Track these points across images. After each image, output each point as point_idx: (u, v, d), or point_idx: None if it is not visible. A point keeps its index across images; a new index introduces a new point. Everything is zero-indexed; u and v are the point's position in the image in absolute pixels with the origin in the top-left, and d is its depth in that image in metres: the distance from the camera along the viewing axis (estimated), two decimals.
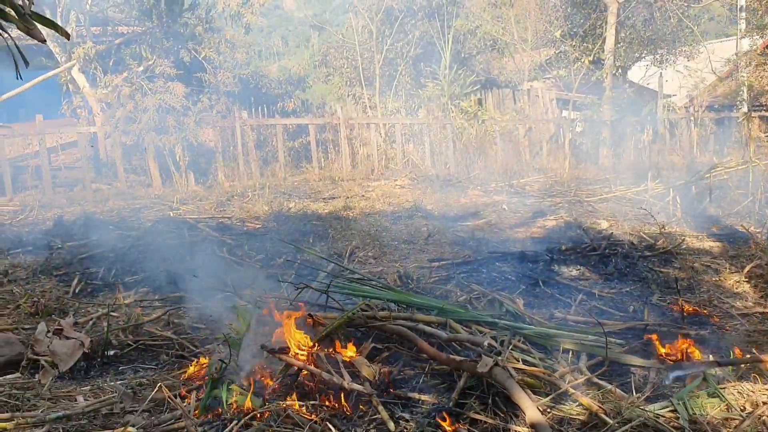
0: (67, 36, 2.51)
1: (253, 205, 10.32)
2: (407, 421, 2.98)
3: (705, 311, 4.72)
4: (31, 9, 2.21)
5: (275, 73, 17.61)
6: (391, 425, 2.88)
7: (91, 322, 4.57)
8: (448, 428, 2.83)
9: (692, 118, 16.76)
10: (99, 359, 3.95)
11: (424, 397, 3.19)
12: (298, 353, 3.31)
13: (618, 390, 3.23)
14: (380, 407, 3.01)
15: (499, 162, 14.68)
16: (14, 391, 3.41)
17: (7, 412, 3.15)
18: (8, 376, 3.64)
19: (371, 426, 2.94)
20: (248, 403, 2.98)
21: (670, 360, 3.56)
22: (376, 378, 3.25)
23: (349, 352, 3.41)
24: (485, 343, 3.43)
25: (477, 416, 2.96)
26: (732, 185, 9.77)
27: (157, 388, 3.25)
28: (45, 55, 13.71)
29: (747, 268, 5.72)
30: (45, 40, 2.41)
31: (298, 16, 19.41)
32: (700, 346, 3.81)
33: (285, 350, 3.31)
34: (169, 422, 2.99)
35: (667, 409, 3.01)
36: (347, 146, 14.39)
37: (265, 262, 6.38)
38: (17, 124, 12.44)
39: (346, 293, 4.52)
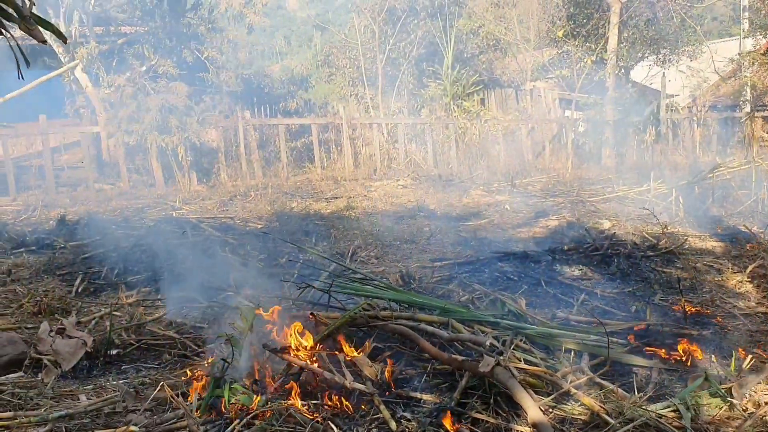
0: (65, 39, 2.52)
1: (255, 205, 10.33)
2: (409, 420, 2.98)
3: (707, 311, 4.71)
4: (32, 10, 2.22)
5: (278, 73, 17.59)
6: (393, 425, 2.88)
7: (93, 322, 4.59)
8: (449, 428, 2.83)
9: (695, 118, 16.70)
10: (101, 358, 3.96)
11: (426, 397, 3.19)
12: (299, 353, 3.32)
13: (620, 390, 3.23)
14: (382, 407, 3.01)
15: (502, 162, 14.67)
16: (17, 390, 3.43)
17: (10, 410, 3.17)
18: (11, 375, 3.65)
19: (373, 425, 2.94)
20: (250, 403, 2.98)
21: (674, 360, 3.56)
22: (378, 377, 3.25)
23: (352, 351, 3.41)
24: (487, 343, 3.44)
25: (479, 416, 2.97)
26: (735, 185, 9.75)
27: (159, 388, 3.26)
28: (48, 55, 13.77)
29: (749, 268, 5.71)
30: (45, 41, 2.42)
31: (300, 15, 19.37)
32: (702, 346, 3.81)
33: (287, 350, 3.31)
34: (171, 421, 2.99)
35: (669, 409, 3.01)
36: (350, 146, 14.39)
37: (267, 262, 6.39)
38: (21, 124, 12.46)
39: (348, 293, 4.52)
